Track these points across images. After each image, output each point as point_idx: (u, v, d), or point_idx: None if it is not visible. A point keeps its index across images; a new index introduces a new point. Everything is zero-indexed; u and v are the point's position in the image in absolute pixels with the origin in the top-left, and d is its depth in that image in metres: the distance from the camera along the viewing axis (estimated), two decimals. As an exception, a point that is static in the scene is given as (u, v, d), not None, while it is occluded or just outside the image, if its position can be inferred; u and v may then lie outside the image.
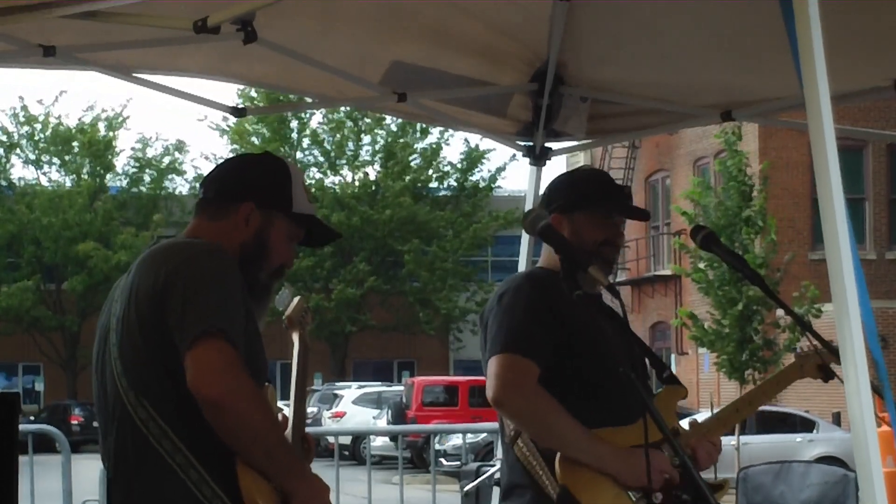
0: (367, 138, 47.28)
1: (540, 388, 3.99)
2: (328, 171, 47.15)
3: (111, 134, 48.02)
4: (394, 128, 46.17)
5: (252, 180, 3.72)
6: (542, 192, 4.45)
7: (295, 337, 4.06)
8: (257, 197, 3.69)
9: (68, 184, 48.08)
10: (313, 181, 45.31)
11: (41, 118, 47.76)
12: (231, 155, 46.01)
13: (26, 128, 47.80)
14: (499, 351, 4.04)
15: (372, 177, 47.23)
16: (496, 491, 4.93)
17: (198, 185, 3.90)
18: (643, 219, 4.53)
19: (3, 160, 48.08)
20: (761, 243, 25.65)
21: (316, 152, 47.27)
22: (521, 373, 4.00)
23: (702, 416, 25.59)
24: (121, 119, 48.25)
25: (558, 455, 3.98)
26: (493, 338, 4.08)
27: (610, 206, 4.24)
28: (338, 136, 46.79)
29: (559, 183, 4.35)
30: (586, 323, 4.04)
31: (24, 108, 47.72)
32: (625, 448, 4.00)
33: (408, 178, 46.69)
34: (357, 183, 46.94)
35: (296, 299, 4.05)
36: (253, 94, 40.48)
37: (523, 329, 4.03)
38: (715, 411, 4.49)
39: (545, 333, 4.04)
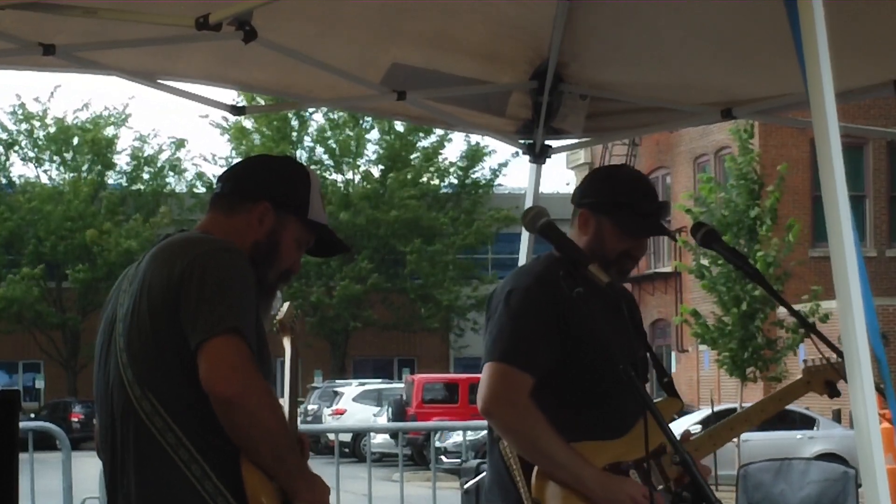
0: (370, 136, 47.38)
1: (530, 403, 3.97)
2: (332, 170, 47.23)
3: (114, 132, 48.11)
4: (398, 127, 46.22)
5: (271, 181, 3.72)
6: (577, 181, 4.38)
7: (286, 342, 4.08)
8: (275, 198, 3.69)
9: (66, 182, 48.10)
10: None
11: (39, 115, 47.79)
12: (232, 154, 46.22)
13: (25, 125, 47.83)
14: (495, 358, 4.02)
15: (376, 175, 47.31)
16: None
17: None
18: (671, 238, 4.48)
19: (3, 158, 48.13)
20: (770, 243, 25.56)
21: (319, 150, 47.34)
22: (514, 386, 3.98)
23: (701, 413, 25.63)
24: (123, 117, 48.35)
25: (536, 469, 3.98)
26: (493, 342, 4.05)
27: (636, 226, 4.17)
28: (342, 135, 46.85)
29: (599, 180, 4.27)
30: (590, 322, 4.01)
31: (22, 105, 47.78)
32: (607, 474, 3.98)
33: (410, 176, 46.76)
34: (361, 184, 47.02)
35: (286, 304, 4.07)
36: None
37: (523, 339, 4.00)
38: (709, 428, 4.45)
39: (546, 344, 4.01)
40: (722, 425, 4.43)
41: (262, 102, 38.58)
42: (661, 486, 4.05)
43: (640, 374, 4.02)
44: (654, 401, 4.17)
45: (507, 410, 3.99)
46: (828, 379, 4.48)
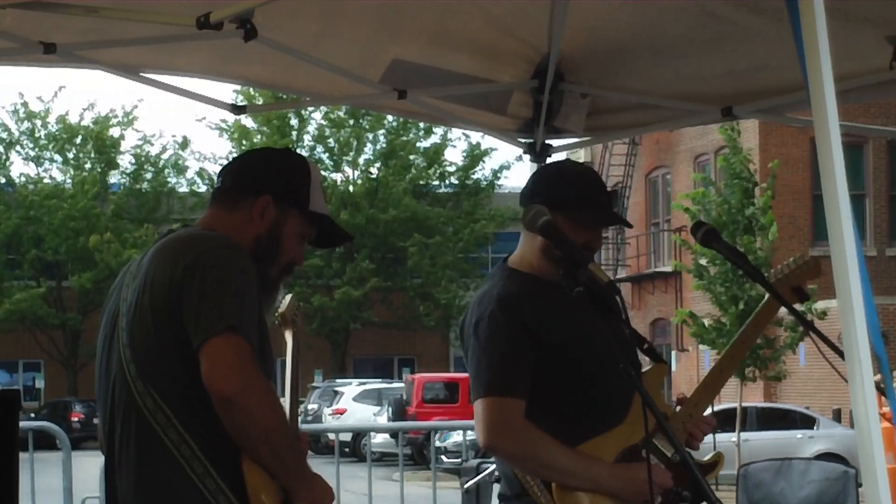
0: (369, 135, 47.40)
1: (527, 424, 3.99)
2: (331, 169, 47.29)
3: (121, 132, 48.15)
4: (395, 125, 46.27)
5: (272, 174, 3.71)
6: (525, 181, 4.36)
7: (288, 335, 4.06)
8: (276, 191, 3.68)
9: (70, 181, 48.11)
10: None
11: (41, 114, 47.80)
12: (233, 152, 46.22)
13: (27, 124, 47.83)
14: (482, 395, 4.04)
15: (374, 174, 47.38)
16: (496, 488, 4.93)
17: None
18: (626, 226, 4.49)
19: (3, 157, 48.12)
20: (762, 242, 25.58)
21: (319, 150, 47.37)
22: (507, 415, 4.00)
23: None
24: (130, 118, 48.38)
25: (553, 485, 3.99)
26: (475, 379, 4.08)
27: (593, 218, 4.17)
28: (341, 134, 46.90)
29: (545, 177, 4.26)
30: (572, 325, 4.02)
31: (25, 104, 47.76)
32: (619, 466, 4.01)
33: (409, 176, 46.83)
34: (360, 181, 47.10)
35: (288, 297, 4.05)
36: (252, 91, 40.49)
37: (502, 367, 4.02)
38: (702, 379, 4.46)
39: (525, 363, 4.02)
40: (712, 371, 4.44)
41: (261, 101, 38.82)
42: (672, 453, 4.05)
43: (637, 371, 4.03)
44: (643, 371, 4.19)
45: (507, 440, 4.02)
46: (794, 286, 4.46)
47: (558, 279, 3.77)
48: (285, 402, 3.82)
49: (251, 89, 39.29)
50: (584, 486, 3.97)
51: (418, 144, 47.75)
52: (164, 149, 49.34)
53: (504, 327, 4.03)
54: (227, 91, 75.95)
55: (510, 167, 53.43)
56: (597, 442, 4.03)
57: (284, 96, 29.87)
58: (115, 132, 48.13)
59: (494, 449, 4.07)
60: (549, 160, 6.13)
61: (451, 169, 48.44)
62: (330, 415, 35.40)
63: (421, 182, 47.63)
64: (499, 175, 48.77)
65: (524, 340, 4.02)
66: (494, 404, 4.01)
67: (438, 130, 46.82)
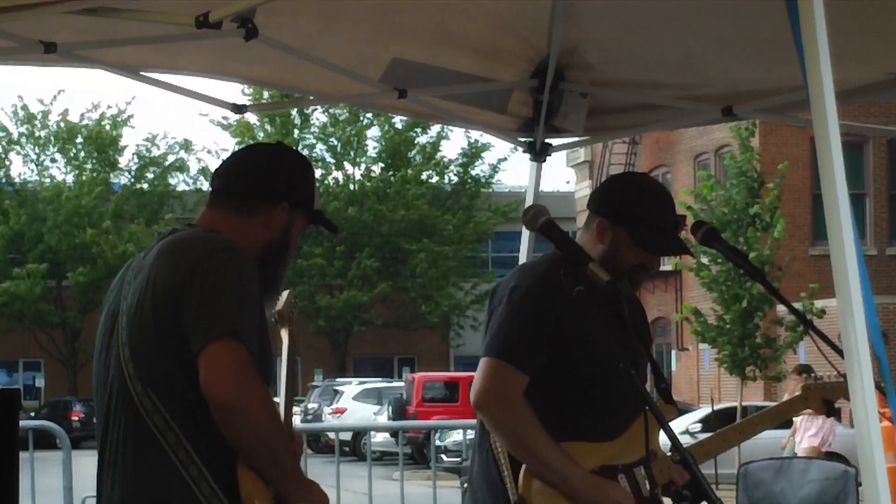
0: (370, 133, 47.48)
1: (523, 401, 3.99)
2: (333, 168, 47.32)
3: (117, 132, 48.07)
4: (399, 125, 46.33)
5: (287, 181, 3.72)
6: (596, 186, 4.33)
7: (284, 333, 4.04)
8: (292, 199, 3.71)
9: (70, 181, 48.13)
10: (320, 177, 45.58)
11: (41, 116, 47.79)
12: (237, 149, 46.21)
13: (26, 126, 47.81)
14: (493, 354, 4.05)
15: (377, 173, 47.44)
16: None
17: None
18: (689, 255, 4.49)
19: (3, 158, 48.10)
20: (766, 241, 25.57)
21: (320, 148, 47.39)
22: (508, 384, 4.01)
23: (702, 411, 25.59)
24: (126, 117, 48.31)
25: (524, 466, 3.99)
26: (493, 337, 4.07)
27: (659, 245, 4.17)
28: (343, 133, 46.94)
29: (619, 191, 4.25)
30: (588, 323, 4.01)
31: (25, 106, 47.73)
32: (595, 477, 4.00)
33: (412, 172, 46.89)
34: (363, 178, 47.18)
35: (285, 293, 4.04)
36: (263, 91, 40.52)
37: (522, 339, 4.02)
38: (702, 438, 4.47)
39: (543, 345, 4.02)
40: (715, 436, 4.46)
41: (267, 95, 38.80)
42: (655, 490, 4.05)
43: (639, 374, 4.02)
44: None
45: (499, 407, 4.01)
46: (825, 397, 4.51)
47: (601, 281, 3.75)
48: (280, 401, 3.81)
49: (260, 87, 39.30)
50: (552, 480, 3.96)
51: (416, 141, 47.77)
52: (169, 150, 49.32)
53: (538, 303, 4.03)
54: (228, 89, 75.96)
55: (506, 159, 53.54)
56: (579, 447, 4.02)
57: (285, 95, 29.92)
58: (111, 130, 48.09)
59: (482, 409, 4.06)
60: (548, 159, 6.13)
61: (451, 166, 48.47)
62: (330, 414, 35.41)
63: (427, 180, 47.68)
64: (497, 169, 48.83)
65: (548, 328, 4.02)
66: (500, 368, 4.02)
67: (434, 127, 46.89)
